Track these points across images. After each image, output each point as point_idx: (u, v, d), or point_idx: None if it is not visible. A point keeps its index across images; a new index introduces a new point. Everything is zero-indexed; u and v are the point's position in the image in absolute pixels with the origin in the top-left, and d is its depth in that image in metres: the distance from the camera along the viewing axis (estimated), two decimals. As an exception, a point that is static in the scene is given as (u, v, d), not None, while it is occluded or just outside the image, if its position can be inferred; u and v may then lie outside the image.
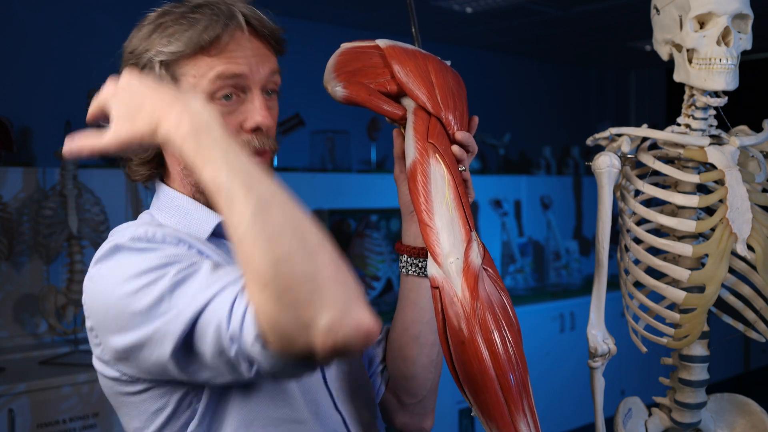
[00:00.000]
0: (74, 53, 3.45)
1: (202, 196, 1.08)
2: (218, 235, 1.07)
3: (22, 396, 2.55)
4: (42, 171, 3.10)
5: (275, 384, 1.03)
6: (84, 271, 2.94)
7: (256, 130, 1.06)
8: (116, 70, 1.13)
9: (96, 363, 1.06)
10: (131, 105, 0.87)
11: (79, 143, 0.89)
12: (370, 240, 3.85)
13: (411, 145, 1.12)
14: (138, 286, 0.91)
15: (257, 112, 1.05)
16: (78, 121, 3.19)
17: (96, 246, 2.96)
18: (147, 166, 1.11)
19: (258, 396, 1.02)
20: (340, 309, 0.77)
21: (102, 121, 0.95)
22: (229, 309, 0.85)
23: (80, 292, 2.89)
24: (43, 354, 2.95)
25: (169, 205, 1.09)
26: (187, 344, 0.89)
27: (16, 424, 2.51)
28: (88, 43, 3.43)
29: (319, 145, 4.24)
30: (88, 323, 1.02)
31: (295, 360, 0.81)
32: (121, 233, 0.99)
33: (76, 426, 2.65)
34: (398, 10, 4.07)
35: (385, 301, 3.85)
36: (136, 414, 1.03)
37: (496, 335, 1.02)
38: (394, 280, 3.92)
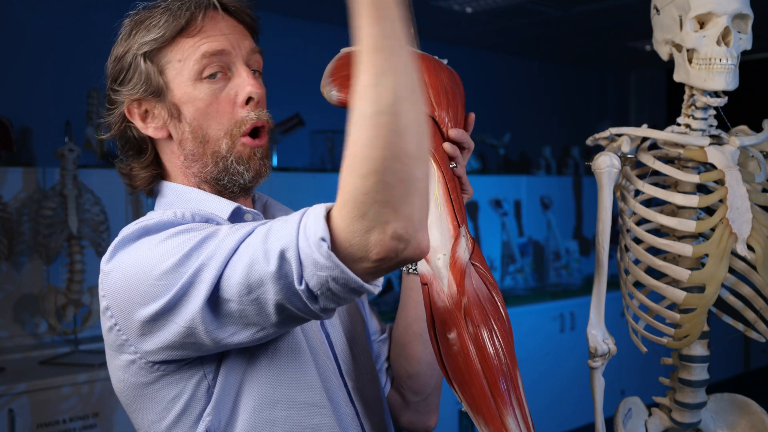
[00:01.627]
0: (74, 53, 3.45)
1: (207, 185, 1.09)
2: (234, 221, 1.08)
3: (22, 396, 2.55)
4: (42, 171, 3.10)
5: (296, 366, 1.04)
6: (84, 271, 2.94)
7: (249, 101, 1.07)
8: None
9: (109, 354, 1.05)
10: None
11: None
12: (370, 240, 3.84)
13: None
14: (164, 251, 0.92)
15: (246, 82, 1.06)
16: (78, 122, 3.20)
17: (96, 246, 2.96)
18: (148, 169, 1.12)
19: (280, 378, 1.03)
20: (415, 223, 0.82)
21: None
22: (263, 237, 0.87)
23: (80, 292, 2.88)
24: (43, 354, 2.94)
25: (180, 200, 1.10)
26: (215, 294, 0.90)
27: (16, 424, 2.51)
28: (88, 43, 3.42)
29: (319, 145, 4.24)
30: (103, 304, 1.00)
31: (348, 266, 0.83)
32: (146, 218, 1.01)
33: (76, 426, 2.65)
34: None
35: (385, 301, 3.85)
36: (152, 406, 1.03)
37: (482, 330, 1.03)
38: (394, 280, 3.92)
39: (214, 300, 0.91)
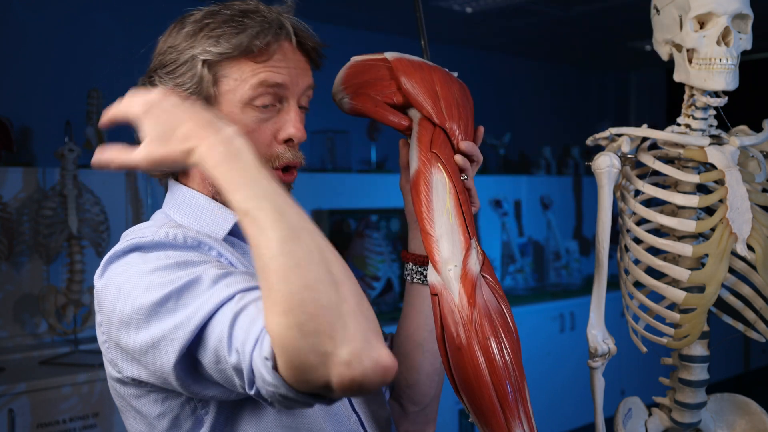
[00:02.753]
0: (74, 53, 3.45)
1: (221, 196, 1.09)
2: (234, 235, 1.08)
3: (22, 396, 2.54)
4: (42, 171, 3.10)
5: None
6: (84, 271, 2.94)
7: (288, 141, 1.07)
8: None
9: (104, 361, 1.05)
10: (166, 126, 0.86)
11: (109, 156, 0.89)
12: (370, 240, 3.85)
13: (414, 155, 1.14)
14: (148, 283, 0.91)
15: (292, 124, 1.06)
16: (78, 121, 3.20)
17: (96, 246, 2.96)
18: None
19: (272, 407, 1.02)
20: (360, 343, 0.76)
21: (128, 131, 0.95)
22: (233, 318, 0.85)
23: (80, 292, 2.89)
24: (43, 354, 2.94)
25: (185, 204, 1.09)
26: (189, 352, 0.89)
27: (16, 424, 2.51)
28: (88, 43, 3.43)
29: (319, 145, 4.24)
30: (97, 318, 1.01)
31: (305, 389, 0.79)
32: (141, 231, 1.00)
33: (76, 426, 2.65)
34: (401, 11, 4.07)
35: (385, 301, 3.85)
36: (140, 418, 1.03)
37: (492, 342, 1.02)
38: (394, 280, 3.92)
39: (190, 358, 0.90)
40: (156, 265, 0.93)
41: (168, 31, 1.08)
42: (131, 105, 0.89)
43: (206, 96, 1.03)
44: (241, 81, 1.03)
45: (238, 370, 0.85)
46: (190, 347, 0.89)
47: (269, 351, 0.79)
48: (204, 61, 1.02)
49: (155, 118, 0.87)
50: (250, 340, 0.82)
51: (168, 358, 0.89)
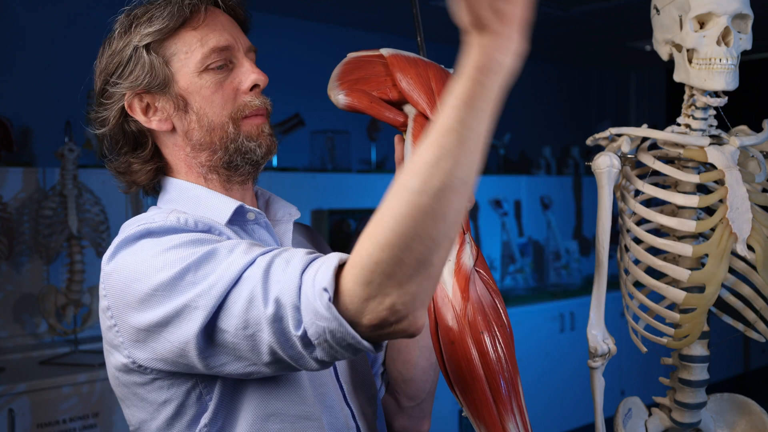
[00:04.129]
0: (74, 53, 3.44)
1: (215, 173, 1.10)
2: (236, 220, 1.09)
3: (22, 396, 2.54)
4: (42, 171, 3.09)
5: (290, 379, 1.04)
6: (84, 271, 2.94)
7: (254, 87, 1.09)
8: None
9: (106, 349, 1.05)
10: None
11: None
12: (370, 240, 3.84)
13: (409, 151, 1.14)
14: (164, 261, 0.92)
15: (251, 71, 1.09)
16: (78, 122, 3.20)
17: (96, 246, 2.96)
18: (150, 163, 1.11)
19: (275, 392, 1.03)
20: (416, 302, 0.81)
21: None
22: (263, 275, 0.87)
23: (80, 292, 2.89)
24: (43, 354, 2.94)
25: (183, 196, 1.10)
26: (212, 322, 0.90)
27: (16, 424, 2.51)
28: (88, 43, 3.41)
29: (319, 145, 4.24)
30: (103, 303, 1.00)
31: (357, 320, 0.83)
32: (150, 218, 1.01)
33: (76, 426, 2.65)
34: (399, 10, 4.07)
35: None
36: (143, 405, 1.03)
37: (485, 336, 1.03)
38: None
39: (210, 327, 0.90)
40: (170, 245, 0.94)
41: (100, 51, 1.12)
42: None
43: (163, 79, 1.05)
44: (190, 52, 1.06)
45: (277, 319, 0.86)
46: (213, 316, 0.89)
47: (330, 281, 0.82)
48: (147, 46, 1.05)
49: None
50: (292, 282, 0.85)
51: (191, 326, 0.90)
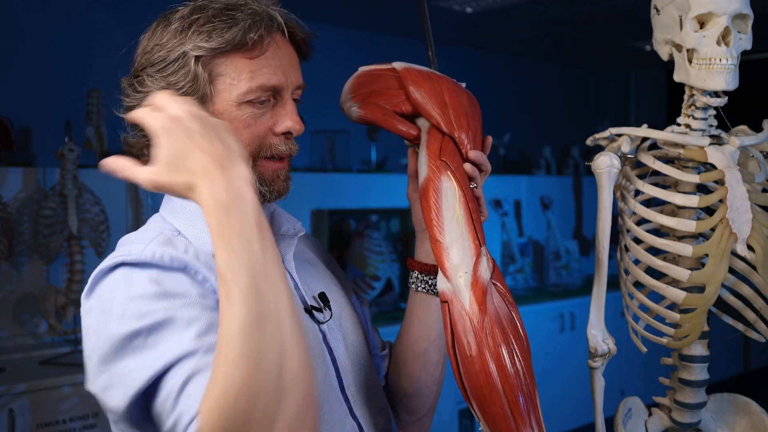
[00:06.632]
0: (74, 53, 3.45)
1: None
2: None
3: (22, 396, 2.54)
4: (42, 171, 3.09)
5: None
6: (84, 272, 2.94)
7: (287, 134, 1.07)
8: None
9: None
10: (178, 152, 0.81)
11: (117, 166, 0.84)
12: (370, 240, 3.85)
13: (424, 163, 1.14)
14: (125, 311, 0.90)
15: (290, 117, 1.06)
16: (78, 121, 3.20)
17: (96, 246, 2.96)
18: None
19: None
20: None
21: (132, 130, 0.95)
22: (185, 382, 0.84)
23: (80, 292, 2.88)
24: (43, 354, 2.95)
25: (183, 209, 1.08)
26: (144, 396, 0.89)
27: (16, 424, 2.51)
28: (88, 43, 3.43)
29: (319, 145, 4.24)
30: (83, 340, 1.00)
31: None
32: (129, 247, 0.98)
33: (76, 426, 2.65)
34: (402, 12, 4.07)
35: (385, 301, 3.85)
36: None
37: (503, 349, 1.02)
38: (394, 280, 3.92)
39: (143, 399, 0.89)
40: (136, 292, 0.91)
41: (152, 28, 1.06)
42: (154, 116, 0.83)
43: (202, 95, 1.02)
44: (237, 80, 1.02)
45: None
46: (144, 392, 0.88)
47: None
48: (197, 58, 1.00)
49: (172, 138, 0.81)
50: (187, 414, 0.82)
51: (119, 401, 0.88)
